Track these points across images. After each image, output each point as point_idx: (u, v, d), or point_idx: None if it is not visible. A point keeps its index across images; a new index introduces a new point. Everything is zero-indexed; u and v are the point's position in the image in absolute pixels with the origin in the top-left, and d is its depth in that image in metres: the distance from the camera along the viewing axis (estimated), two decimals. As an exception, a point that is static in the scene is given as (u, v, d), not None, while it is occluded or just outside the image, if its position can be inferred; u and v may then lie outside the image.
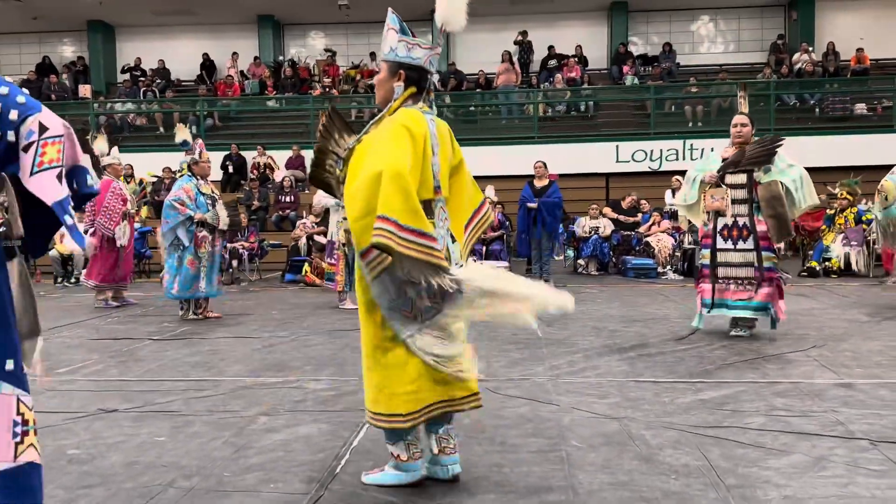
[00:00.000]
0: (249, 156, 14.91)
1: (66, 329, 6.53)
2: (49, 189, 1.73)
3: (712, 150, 6.45)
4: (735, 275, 5.41)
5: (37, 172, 1.73)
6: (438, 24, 2.58)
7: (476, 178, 11.37)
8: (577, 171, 13.93)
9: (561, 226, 11.38)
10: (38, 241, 1.93)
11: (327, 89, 17.05)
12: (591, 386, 4.13)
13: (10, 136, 1.74)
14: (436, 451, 2.66)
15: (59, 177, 1.75)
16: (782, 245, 9.79)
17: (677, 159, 13.97)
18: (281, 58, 18.88)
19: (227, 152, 14.83)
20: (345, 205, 2.46)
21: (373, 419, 2.60)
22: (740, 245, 5.40)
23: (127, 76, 18.45)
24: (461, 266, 2.59)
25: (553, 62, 17.36)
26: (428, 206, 2.48)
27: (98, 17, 18.93)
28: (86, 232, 7.91)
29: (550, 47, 17.68)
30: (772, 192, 5.26)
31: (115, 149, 8.71)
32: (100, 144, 8.43)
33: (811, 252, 10.62)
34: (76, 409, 3.82)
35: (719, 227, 5.48)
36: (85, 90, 18.22)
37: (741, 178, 5.42)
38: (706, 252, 5.56)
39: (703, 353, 4.97)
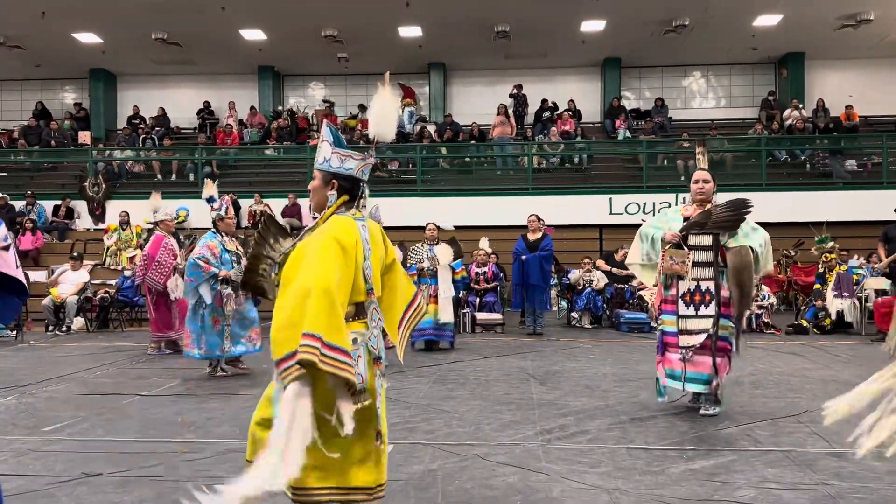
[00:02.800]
0: (246, 203, 15.00)
1: (55, 383, 6.48)
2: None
3: (668, 205, 6.29)
4: (694, 343, 4.96)
5: None
6: (371, 136, 2.75)
7: (470, 228, 11.54)
8: (571, 222, 14.04)
9: (555, 277, 11.43)
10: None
11: (325, 139, 17.22)
12: (583, 453, 4.09)
13: None
14: None
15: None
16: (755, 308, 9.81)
17: (670, 213, 14.08)
18: (280, 107, 19.15)
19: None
20: (273, 314, 2.51)
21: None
22: (702, 311, 4.96)
23: (129, 122, 18.68)
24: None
25: (546, 114, 17.66)
26: (361, 308, 2.61)
27: (100, 65, 19.24)
28: (136, 284, 7.99)
29: (544, 101, 17.99)
30: (743, 262, 4.88)
31: (165, 204, 8.90)
32: (154, 202, 8.58)
33: (804, 308, 10.64)
34: (60, 473, 3.77)
35: (681, 291, 5.04)
36: (84, 137, 18.41)
37: (706, 240, 5.01)
38: (668, 318, 5.09)
39: (694, 418, 4.94)
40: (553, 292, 11.93)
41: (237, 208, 14.96)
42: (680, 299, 5.02)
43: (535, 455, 4.04)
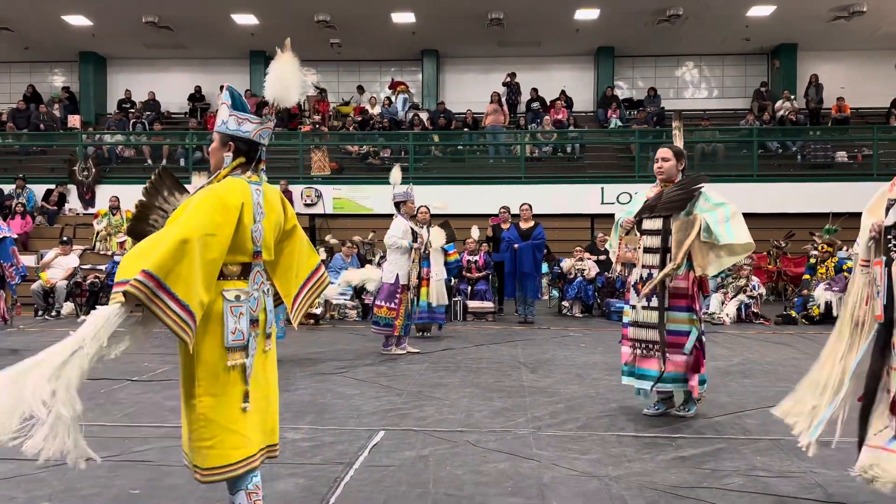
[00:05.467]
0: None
1: (44, 367, 6.44)
2: None
3: (636, 193, 5.35)
4: (646, 337, 4.61)
5: None
6: (270, 99, 2.75)
7: (462, 216, 11.45)
8: (563, 211, 14.06)
9: (546, 266, 11.46)
10: None
11: (317, 125, 17.17)
12: (573, 440, 4.12)
13: None
14: None
15: None
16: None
17: (662, 202, 14.11)
18: (272, 93, 19.01)
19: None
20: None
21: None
22: (653, 303, 4.57)
23: (119, 107, 18.53)
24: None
25: (536, 104, 17.62)
26: (247, 268, 2.66)
27: (90, 48, 19.04)
28: None
29: (534, 90, 17.92)
30: (688, 219, 4.46)
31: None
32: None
33: (794, 298, 10.71)
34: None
35: (633, 280, 4.72)
36: (74, 121, 18.24)
37: (657, 224, 4.60)
38: (627, 308, 4.80)
39: (684, 406, 4.97)
40: (544, 281, 11.97)
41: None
42: (632, 288, 4.72)
43: (526, 442, 4.06)
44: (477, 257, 10.98)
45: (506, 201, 11.62)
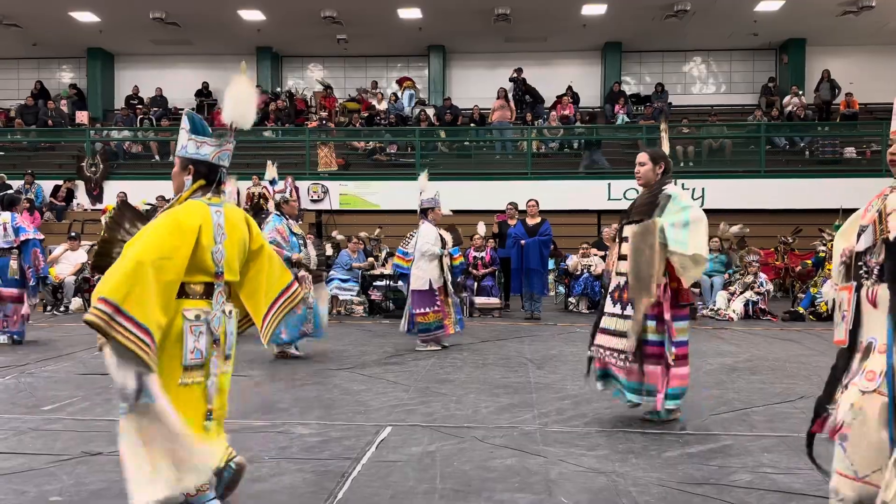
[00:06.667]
0: (244, 185, 14.96)
1: (53, 362, 6.49)
2: None
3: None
4: (616, 346, 4.37)
5: None
6: (227, 122, 2.85)
7: (469, 212, 11.43)
8: (570, 207, 14.04)
9: (552, 262, 11.44)
10: None
11: (324, 122, 17.18)
12: (580, 436, 4.12)
13: None
14: None
15: None
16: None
17: (669, 198, 14.07)
18: (279, 89, 19.05)
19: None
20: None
21: None
22: (629, 311, 4.30)
23: (127, 103, 18.58)
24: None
25: (539, 104, 17.59)
26: (210, 288, 2.73)
27: (98, 44, 19.10)
28: None
29: (533, 90, 17.77)
30: (644, 227, 4.22)
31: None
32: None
33: (801, 294, 10.67)
34: (60, 452, 3.79)
35: (611, 287, 4.57)
36: (82, 117, 18.30)
37: (630, 230, 4.41)
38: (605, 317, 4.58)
39: (691, 402, 4.96)
40: (551, 277, 11.96)
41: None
42: (609, 296, 4.55)
43: (533, 438, 4.07)
44: (483, 253, 10.97)
45: (512, 197, 11.61)
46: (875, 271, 2.54)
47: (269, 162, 7.81)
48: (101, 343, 2.52)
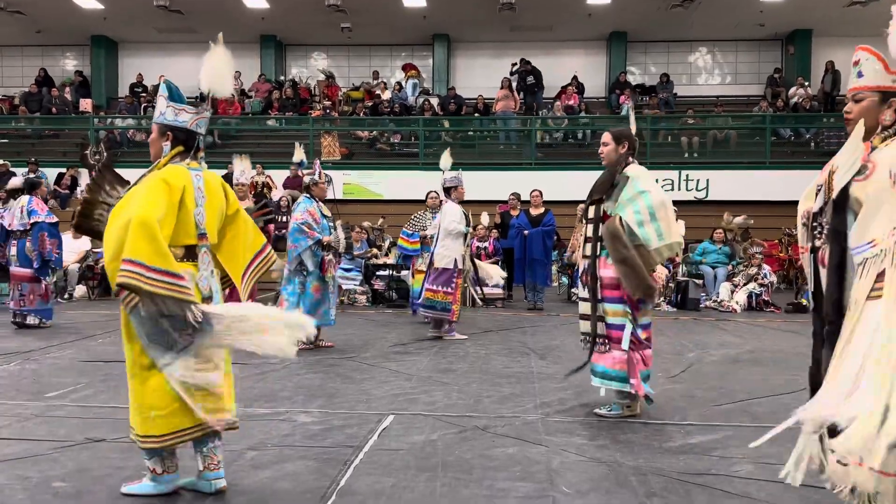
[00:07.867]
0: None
1: (57, 349, 6.52)
2: None
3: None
4: (583, 329, 4.36)
5: None
6: (204, 90, 2.96)
7: (473, 202, 11.34)
8: (574, 198, 13.96)
9: (555, 253, 11.43)
10: None
11: (327, 110, 17.15)
12: (582, 426, 4.12)
13: None
14: (201, 467, 2.98)
15: None
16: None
17: (673, 189, 14.04)
18: (282, 77, 19.00)
19: (225, 171, 14.85)
20: (102, 248, 2.78)
21: (133, 437, 2.93)
22: (586, 293, 4.29)
23: (131, 90, 18.56)
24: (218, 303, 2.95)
25: (538, 92, 17.50)
26: (192, 251, 2.88)
27: (102, 32, 19.07)
28: None
29: (532, 81, 17.67)
30: (609, 231, 4.10)
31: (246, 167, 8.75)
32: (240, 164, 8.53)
33: (805, 285, 10.64)
34: (63, 438, 3.80)
35: (580, 272, 4.46)
36: (86, 104, 18.30)
37: (591, 212, 4.32)
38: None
39: (693, 393, 4.98)
40: (553, 268, 11.94)
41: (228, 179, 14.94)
42: (578, 280, 4.52)
43: (535, 427, 4.08)
44: (487, 243, 10.97)
45: (516, 187, 11.60)
46: (826, 231, 2.48)
47: (296, 144, 7.82)
48: (130, 305, 2.68)
